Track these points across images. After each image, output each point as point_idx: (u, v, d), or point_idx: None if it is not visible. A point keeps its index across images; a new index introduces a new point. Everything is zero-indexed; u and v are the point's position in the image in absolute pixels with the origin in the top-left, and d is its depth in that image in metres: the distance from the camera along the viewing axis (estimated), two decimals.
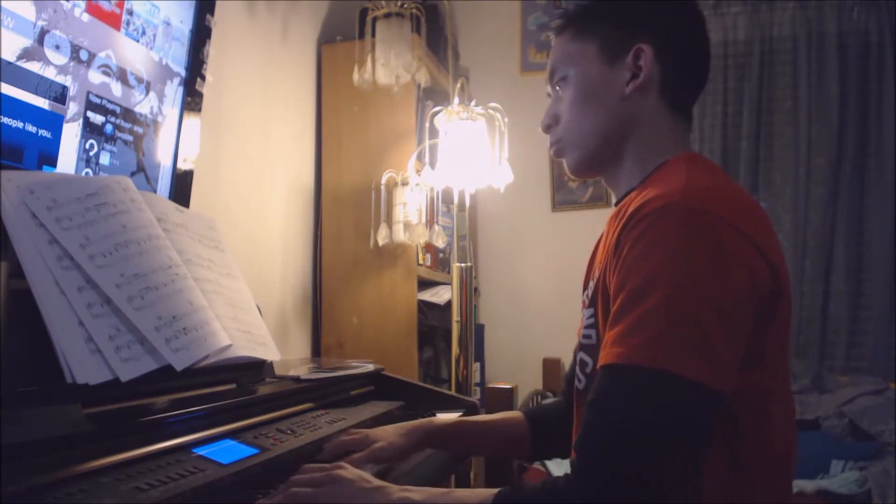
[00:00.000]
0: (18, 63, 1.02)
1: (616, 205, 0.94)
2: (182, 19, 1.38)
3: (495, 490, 0.76)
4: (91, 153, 1.17)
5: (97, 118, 1.18)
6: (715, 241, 0.73)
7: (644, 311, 0.72)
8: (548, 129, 0.99)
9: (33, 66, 1.05)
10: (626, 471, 0.69)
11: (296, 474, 0.82)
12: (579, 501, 0.70)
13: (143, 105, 1.29)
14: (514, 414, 1.16)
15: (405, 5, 2.06)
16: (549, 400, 2.61)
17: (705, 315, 0.71)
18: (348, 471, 0.81)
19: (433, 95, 2.54)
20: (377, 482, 0.80)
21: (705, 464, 0.76)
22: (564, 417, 1.11)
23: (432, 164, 2.11)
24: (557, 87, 0.97)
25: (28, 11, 1.03)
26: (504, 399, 2.33)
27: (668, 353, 0.70)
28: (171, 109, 1.37)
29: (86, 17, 1.14)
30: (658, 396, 0.70)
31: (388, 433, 1.03)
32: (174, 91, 1.38)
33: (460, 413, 1.39)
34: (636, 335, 0.72)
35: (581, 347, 0.93)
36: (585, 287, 0.98)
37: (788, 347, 0.86)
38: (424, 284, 2.43)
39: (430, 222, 2.26)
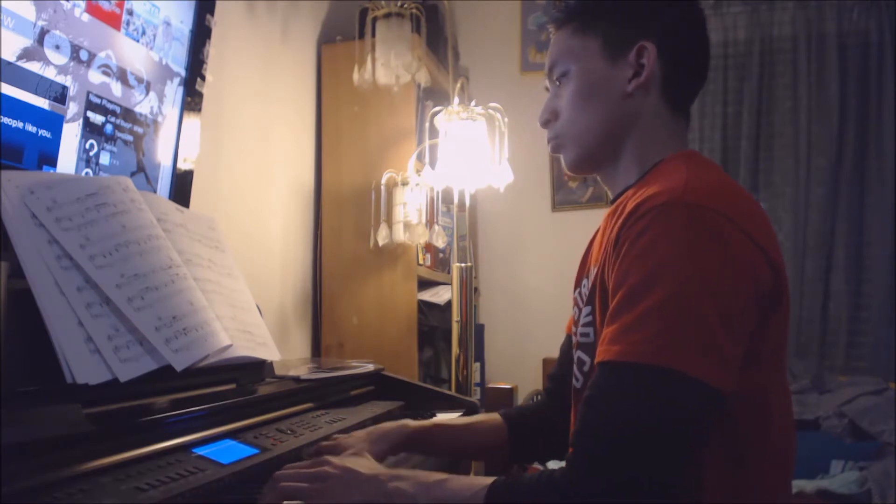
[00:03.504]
0: (18, 63, 1.02)
1: (612, 202, 0.94)
2: (182, 19, 1.38)
3: (489, 480, 0.75)
4: (91, 153, 1.17)
5: (97, 118, 1.18)
6: (719, 237, 0.73)
7: (647, 307, 0.71)
8: (546, 123, 0.98)
9: (33, 66, 1.05)
10: (628, 469, 0.69)
11: (280, 473, 0.81)
12: (580, 499, 0.69)
13: (143, 105, 1.29)
14: (493, 416, 1.13)
15: (405, 5, 2.05)
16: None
17: (709, 312, 0.70)
18: (333, 465, 0.81)
19: (433, 95, 2.54)
20: (366, 471, 0.80)
21: (706, 463, 0.76)
22: (544, 418, 1.09)
23: (432, 164, 2.11)
24: (557, 82, 0.96)
25: (28, 11, 1.03)
26: (504, 399, 2.32)
27: (672, 350, 0.69)
28: (171, 109, 1.37)
29: (86, 17, 1.14)
30: (662, 394, 0.69)
31: (359, 440, 0.99)
32: (174, 91, 1.38)
33: (460, 413, 1.40)
34: (639, 332, 0.71)
35: (578, 346, 0.92)
36: (578, 285, 0.97)
37: (787, 347, 0.85)
38: (424, 284, 2.43)
39: (430, 222, 2.26)
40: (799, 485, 2.02)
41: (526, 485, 0.73)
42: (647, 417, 0.69)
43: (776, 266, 0.77)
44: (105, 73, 1.19)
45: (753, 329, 0.75)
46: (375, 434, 1.01)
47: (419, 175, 2.18)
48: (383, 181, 2.19)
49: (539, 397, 1.17)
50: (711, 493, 0.77)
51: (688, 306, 0.70)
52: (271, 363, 1.17)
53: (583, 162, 0.96)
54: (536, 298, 3.00)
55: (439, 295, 2.44)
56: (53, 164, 1.10)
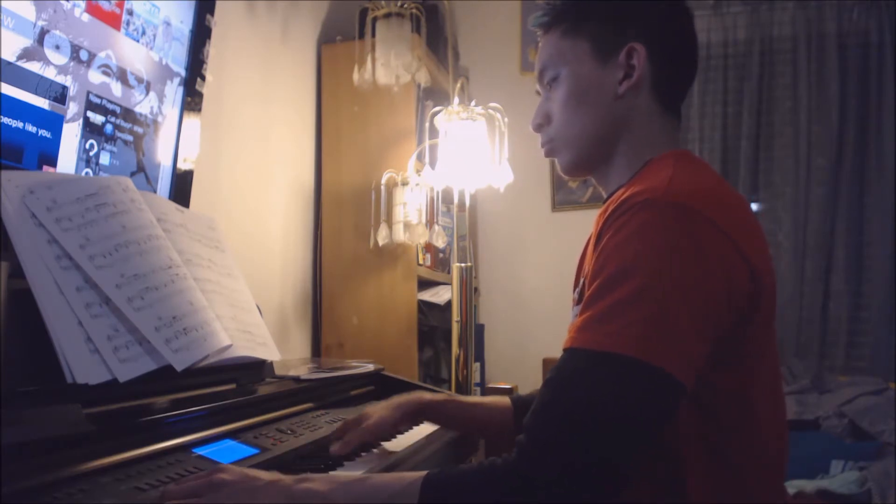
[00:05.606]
0: (18, 63, 1.02)
1: (604, 203, 0.94)
2: (182, 19, 1.38)
3: (420, 473, 0.72)
4: (91, 153, 1.17)
5: (97, 118, 1.18)
6: (692, 236, 0.73)
7: (618, 299, 0.72)
8: (539, 128, 0.99)
9: (33, 66, 1.05)
10: (583, 453, 0.69)
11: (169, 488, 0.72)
12: (524, 485, 0.68)
13: (143, 105, 1.29)
14: (503, 399, 1.17)
15: (405, 5, 2.05)
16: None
17: (679, 308, 0.71)
18: (229, 472, 0.73)
19: (433, 95, 2.53)
20: (267, 477, 0.73)
21: (687, 459, 0.76)
22: None
23: (432, 164, 2.11)
24: (548, 86, 0.96)
25: (28, 11, 1.03)
26: None
27: (638, 341, 0.70)
28: (171, 109, 1.37)
29: (86, 17, 1.14)
30: (627, 383, 0.70)
31: (380, 408, 1.09)
32: (174, 91, 1.38)
33: None
34: (608, 322, 0.72)
35: None
36: (576, 285, 0.98)
37: (775, 347, 0.85)
38: (424, 284, 2.43)
39: (430, 222, 2.26)
40: (799, 485, 2.02)
41: (466, 474, 0.72)
42: (610, 404, 0.69)
43: (756, 269, 0.77)
44: (105, 73, 1.19)
45: (729, 328, 0.75)
46: (396, 402, 1.11)
47: (419, 175, 2.18)
48: (383, 181, 2.19)
49: None
50: (695, 490, 0.77)
51: (657, 301, 0.71)
52: (271, 363, 1.17)
53: (578, 165, 0.97)
54: (536, 298, 3.00)
55: (439, 295, 2.44)
56: (53, 164, 1.10)
